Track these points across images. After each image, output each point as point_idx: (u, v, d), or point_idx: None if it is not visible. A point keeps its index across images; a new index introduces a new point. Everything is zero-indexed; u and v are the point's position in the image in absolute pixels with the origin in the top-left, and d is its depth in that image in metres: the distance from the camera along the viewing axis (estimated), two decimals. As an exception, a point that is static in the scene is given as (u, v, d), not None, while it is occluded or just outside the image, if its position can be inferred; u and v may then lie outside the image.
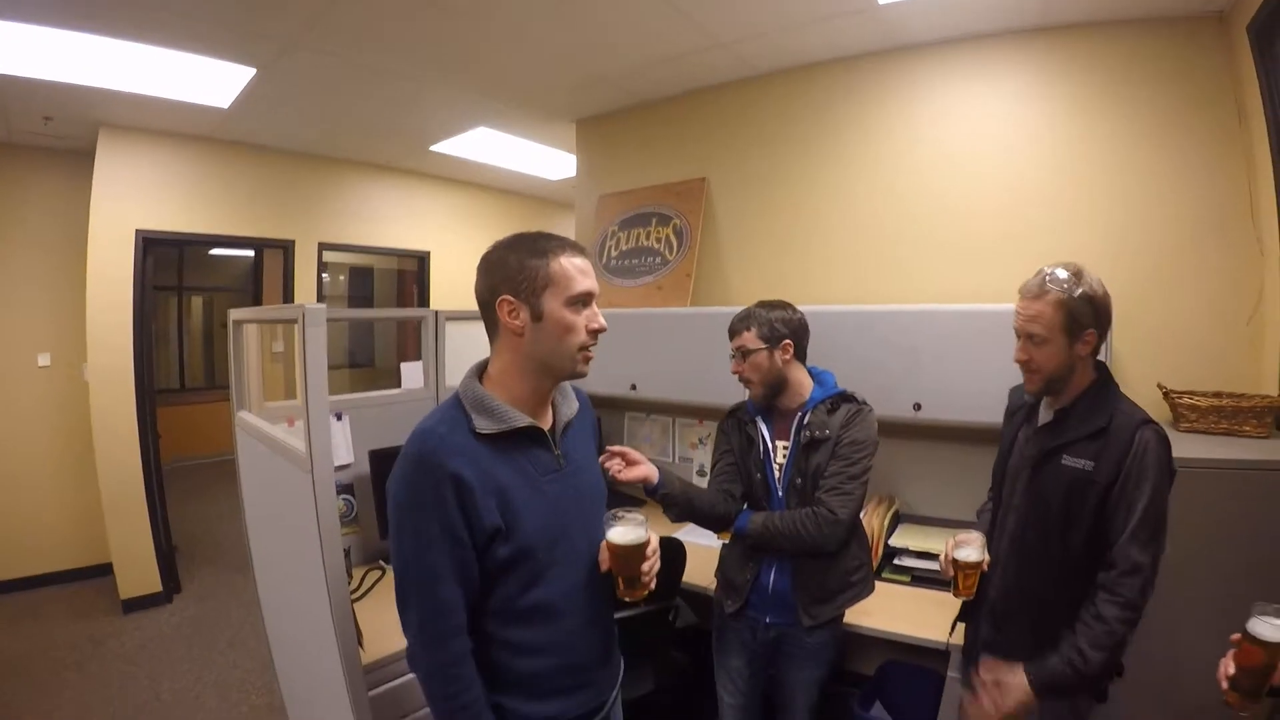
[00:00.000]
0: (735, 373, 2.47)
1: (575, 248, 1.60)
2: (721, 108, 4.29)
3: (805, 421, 2.41)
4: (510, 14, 3.30)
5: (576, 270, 1.56)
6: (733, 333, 2.46)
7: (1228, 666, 1.40)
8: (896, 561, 3.15)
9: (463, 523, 1.45)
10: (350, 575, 2.65)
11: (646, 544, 1.67)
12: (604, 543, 1.68)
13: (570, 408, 1.74)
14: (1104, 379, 2.02)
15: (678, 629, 3.04)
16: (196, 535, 6.53)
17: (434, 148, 5.80)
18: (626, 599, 1.71)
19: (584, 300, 1.57)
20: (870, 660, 3.24)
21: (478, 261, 1.61)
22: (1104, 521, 1.87)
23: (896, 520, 3.41)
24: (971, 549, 2.07)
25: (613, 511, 1.69)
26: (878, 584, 2.90)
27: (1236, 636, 1.39)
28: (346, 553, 2.32)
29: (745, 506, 2.51)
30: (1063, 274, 1.92)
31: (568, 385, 1.77)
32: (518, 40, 3.61)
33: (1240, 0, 2.91)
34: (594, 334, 1.60)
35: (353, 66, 3.88)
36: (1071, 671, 1.82)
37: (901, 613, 2.76)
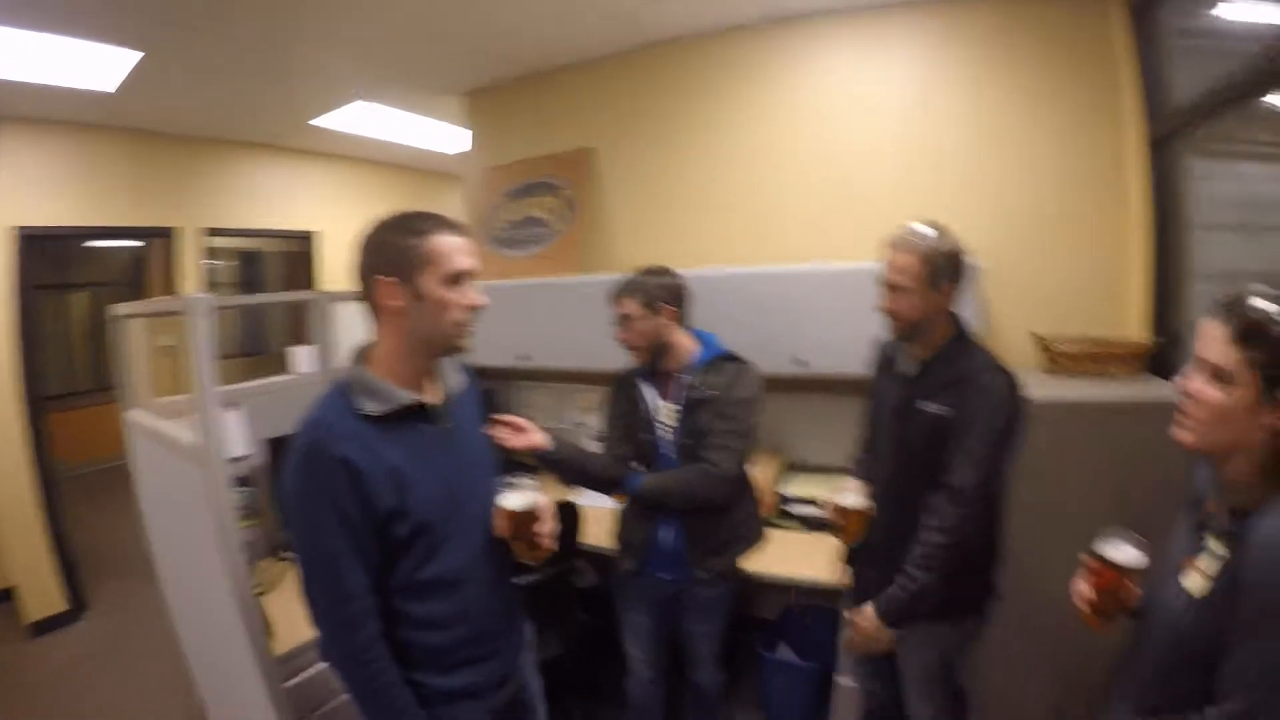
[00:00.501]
0: (619, 339, 2.53)
1: (452, 225, 1.61)
2: (610, 77, 4.30)
3: (689, 383, 2.49)
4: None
5: (453, 248, 1.58)
6: (614, 300, 2.52)
7: (1082, 587, 1.49)
8: (789, 510, 3.30)
9: (358, 508, 1.47)
10: (255, 567, 2.63)
11: (539, 507, 1.72)
12: (497, 510, 1.71)
13: (455, 381, 1.77)
14: (961, 331, 2.15)
15: (580, 590, 3.15)
16: (100, 546, 6.12)
17: (316, 121, 5.62)
18: (527, 561, 1.78)
19: (462, 278, 1.58)
20: (775, 606, 3.43)
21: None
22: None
23: (787, 471, 3.58)
24: (853, 495, 2.20)
25: (503, 479, 1.75)
26: (774, 533, 3.08)
27: (1090, 559, 1.48)
28: (251, 545, 2.29)
29: (636, 468, 2.57)
30: (926, 229, 2.07)
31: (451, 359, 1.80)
32: (403, 9, 3.52)
33: (1121, -28, 3.06)
34: (471, 310, 1.62)
35: (236, 43, 3.75)
36: (905, 595, 2.04)
37: (798, 558, 2.92)
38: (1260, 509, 1.16)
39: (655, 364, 2.56)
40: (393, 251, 1.54)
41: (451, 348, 1.64)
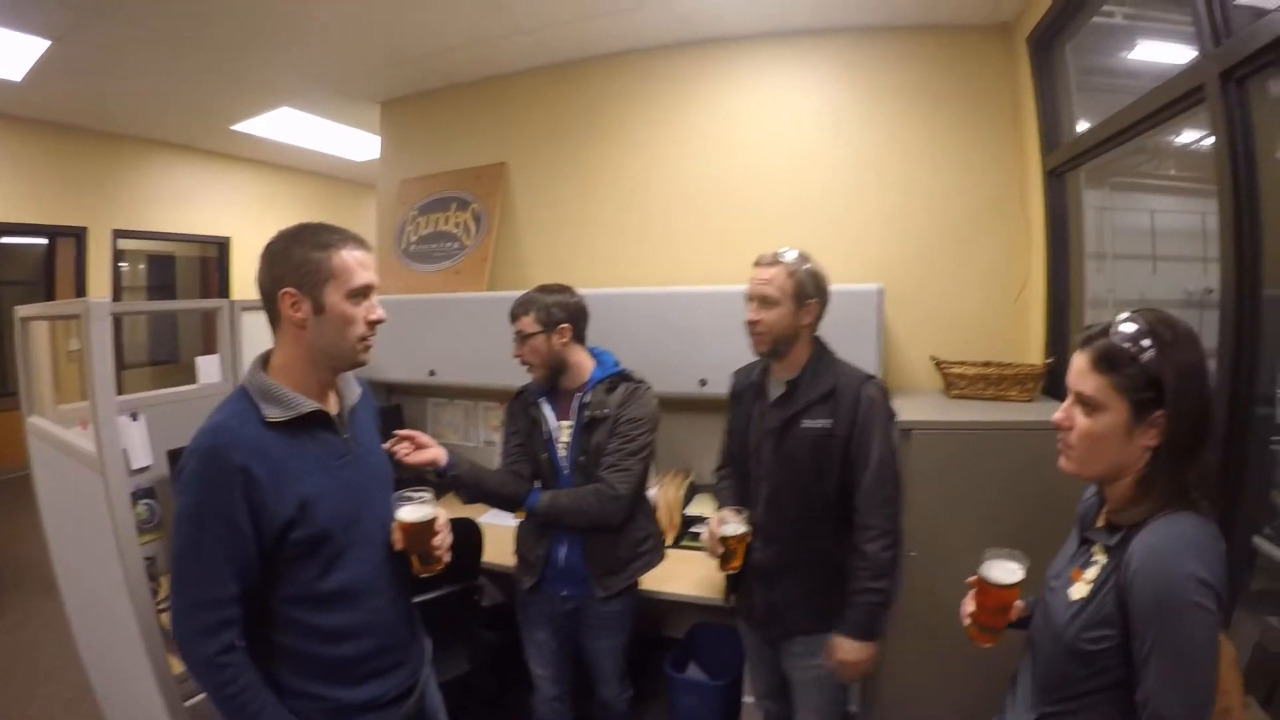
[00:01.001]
0: (516, 356, 2.54)
1: (357, 240, 1.63)
2: (524, 94, 4.32)
3: (585, 401, 2.51)
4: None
5: (357, 263, 1.59)
6: (513, 317, 2.53)
7: (968, 607, 1.54)
8: (694, 530, 3.33)
9: (249, 518, 1.47)
10: (158, 582, 2.56)
11: (435, 520, 1.74)
12: (395, 523, 1.73)
13: (353, 393, 1.77)
14: (821, 349, 2.24)
15: (485, 608, 3.12)
16: (2, 558, 5.90)
17: (236, 127, 5.53)
18: (423, 575, 1.78)
19: (364, 293, 1.60)
20: (682, 624, 3.44)
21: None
22: (848, 470, 2.12)
23: (693, 491, 3.60)
24: (734, 524, 2.20)
25: (400, 492, 1.75)
26: (679, 552, 3.13)
27: (973, 579, 1.52)
28: (152, 560, 2.25)
29: (536, 485, 2.59)
30: (793, 251, 2.18)
31: (349, 373, 1.80)
32: (322, 17, 3.52)
33: (1023, 14, 3.26)
34: (372, 325, 1.63)
35: (153, 35, 3.64)
36: (874, 605, 2.09)
37: (703, 578, 2.91)
38: (1143, 524, 1.23)
39: (552, 382, 2.57)
40: (297, 264, 1.55)
41: (351, 361, 1.65)
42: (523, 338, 2.50)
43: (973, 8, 3.32)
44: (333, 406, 1.70)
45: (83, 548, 2.40)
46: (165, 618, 2.27)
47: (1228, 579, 1.19)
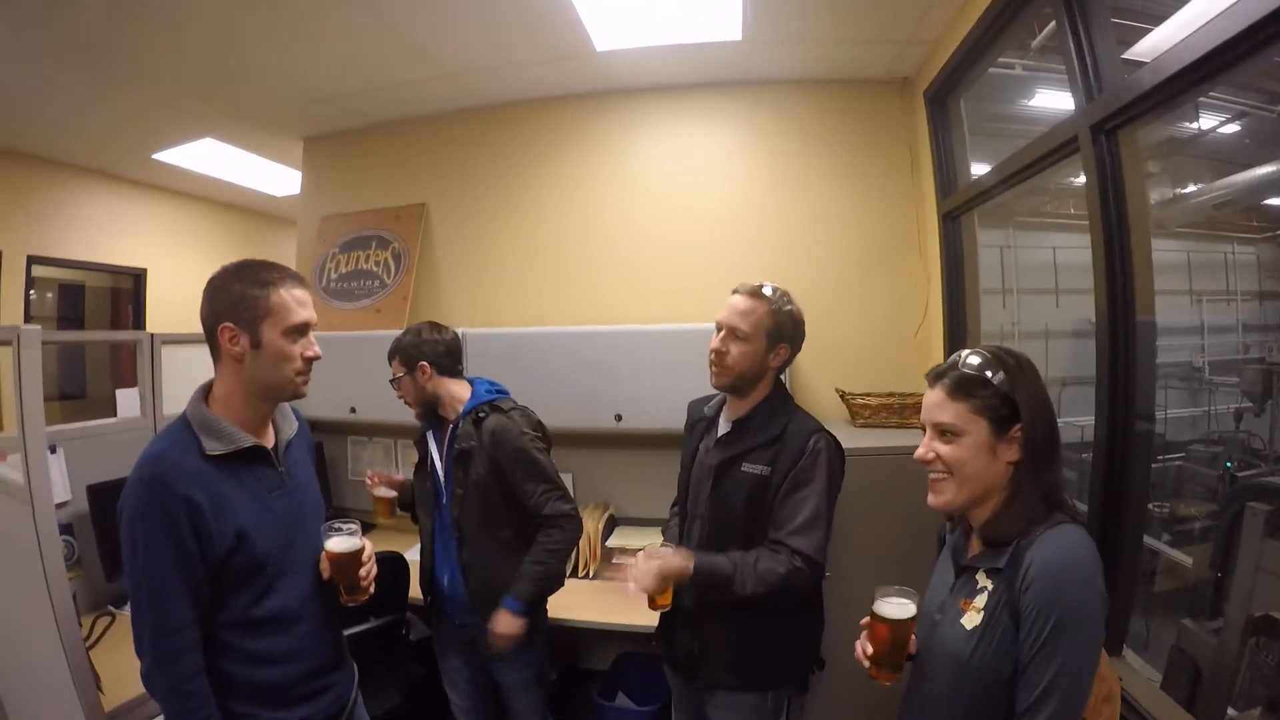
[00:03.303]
0: (399, 397, 2.65)
1: (296, 279, 1.70)
2: (446, 136, 4.41)
3: (455, 433, 2.57)
4: (236, 25, 3.22)
5: (295, 301, 1.66)
6: (389, 362, 2.63)
7: (865, 647, 1.50)
8: (615, 560, 3.42)
9: (194, 544, 1.52)
10: (80, 623, 2.51)
11: (362, 551, 1.80)
12: (323, 553, 1.78)
13: (290, 427, 1.85)
14: (779, 392, 2.16)
15: (413, 642, 3.13)
16: None
17: (157, 155, 5.43)
18: (350, 604, 1.83)
19: (301, 330, 1.67)
20: (607, 655, 3.48)
21: (203, 284, 1.67)
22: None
23: (612, 523, 3.70)
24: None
25: (329, 523, 1.81)
26: (601, 583, 3.22)
27: (866, 620, 1.50)
28: (74, 598, 2.21)
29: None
30: (777, 289, 2.08)
31: (287, 406, 1.86)
32: (247, 51, 3.52)
33: (921, 69, 3.50)
34: (309, 361, 1.70)
35: (72, 57, 3.57)
36: (727, 575, 1.92)
37: (624, 607, 2.93)
38: (1021, 537, 1.32)
39: (431, 416, 2.66)
40: (237, 299, 1.61)
41: (290, 393, 1.72)
42: (395, 381, 2.61)
43: (875, 65, 3.57)
44: (269, 440, 1.76)
45: (5, 584, 2.33)
46: (94, 655, 2.28)
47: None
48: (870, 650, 1.48)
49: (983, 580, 1.39)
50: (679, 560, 1.96)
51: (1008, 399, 1.35)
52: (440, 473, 2.61)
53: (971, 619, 1.37)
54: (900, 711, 1.63)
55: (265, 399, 1.72)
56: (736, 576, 1.93)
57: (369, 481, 2.83)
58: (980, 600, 1.37)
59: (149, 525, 1.51)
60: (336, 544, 1.77)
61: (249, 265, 1.67)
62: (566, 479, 3.72)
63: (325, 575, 1.79)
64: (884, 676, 1.49)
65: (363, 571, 1.81)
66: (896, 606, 1.45)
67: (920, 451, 1.43)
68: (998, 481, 1.38)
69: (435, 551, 2.63)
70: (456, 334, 2.70)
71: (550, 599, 2.64)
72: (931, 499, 1.44)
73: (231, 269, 1.66)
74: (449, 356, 2.63)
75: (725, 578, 1.93)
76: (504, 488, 2.51)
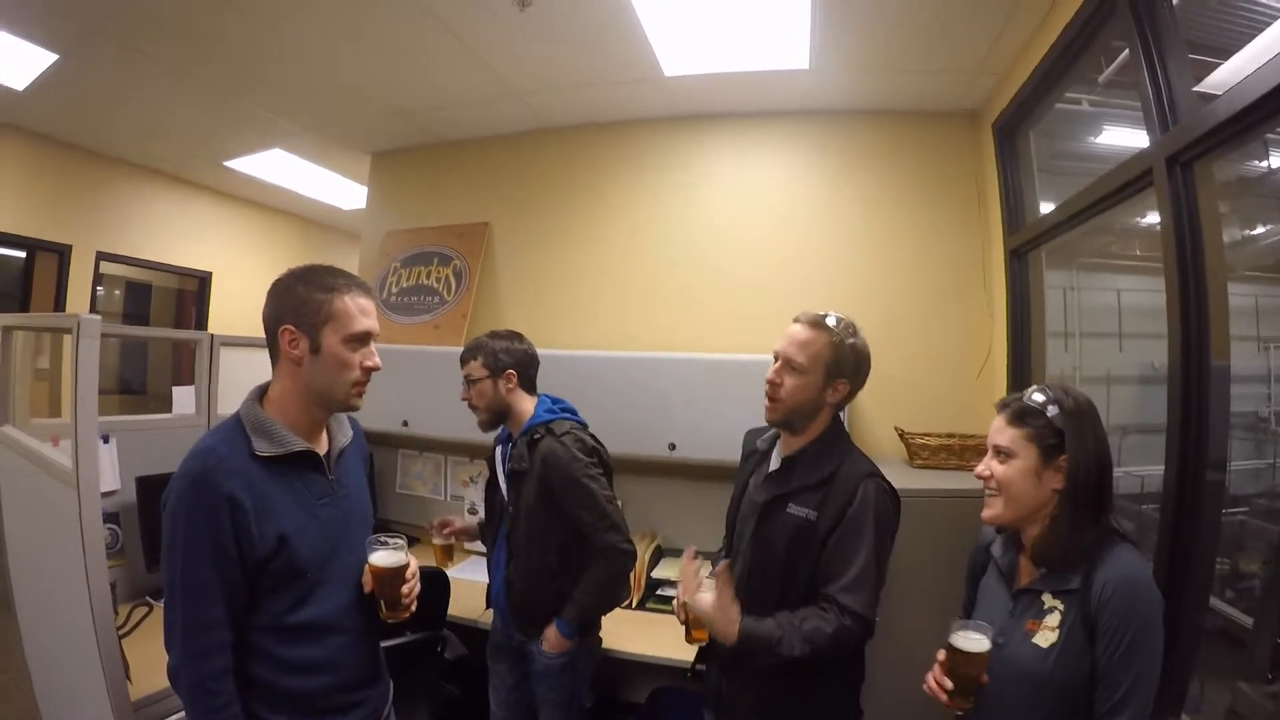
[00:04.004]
0: (464, 399, 2.61)
1: (362, 287, 1.67)
2: (510, 156, 4.44)
3: (510, 452, 2.57)
4: (314, 37, 3.31)
5: (358, 309, 1.64)
6: (462, 361, 2.60)
7: (943, 680, 1.55)
8: (660, 593, 3.36)
9: (235, 544, 1.49)
10: (116, 610, 2.52)
11: (406, 567, 1.75)
12: (367, 565, 1.74)
13: (345, 435, 1.82)
14: (836, 429, 2.01)
15: (448, 660, 3.09)
16: None
17: (228, 163, 5.58)
18: (389, 620, 1.78)
19: (362, 339, 1.65)
20: (643, 688, 3.40)
21: (265, 291, 1.65)
22: (822, 570, 1.87)
23: (659, 554, 3.63)
24: (707, 593, 2.00)
25: (375, 536, 1.77)
26: (643, 614, 3.17)
27: (942, 655, 1.56)
28: (113, 586, 2.23)
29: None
30: (842, 320, 1.95)
31: (342, 414, 1.83)
32: (321, 66, 3.61)
33: (989, 102, 3.44)
34: (367, 371, 1.67)
35: (156, 62, 3.68)
36: (774, 640, 1.79)
37: (666, 640, 2.87)
38: (1083, 560, 1.48)
39: (497, 426, 2.63)
40: (299, 302, 1.59)
41: (343, 404, 1.69)
42: (470, 382, 2.58)
43: (942, 96, 3.52)
44: (322, 446, 1.74)
45: (47, 562, 2.38)
46: (126, 644, 2.29)
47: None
48: (949, 684, 1.55)
49: (1050, 601, 1.53)
50: (724, 625, 1.84)
51: (1057, 431, 1.53)
52: (503, 488, 2.61)
53: (1046, 637, 1.50)
54: None
55: (320, 405, 1.69)
56: (784, 640, 1.79)
57: (431, 530, 2.86)
58: (1052, 620, 1.51)
59: (190, 519, 1.48)
60: (381, 558, 1.73)
61: (316, 269, 1.66)
62: (617, 505, 3.73)
63: (367, 589, 1.76)
64: (958, 704, 1.56)
65: (405, 588, 1.76)
66: (975, 641, 1.53)
67: (979, 469, 1.64)
68: (1043, 505, 1.55)
69: (494, 559, 2.66)
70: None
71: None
72: (984, 513, 1.64)
73: (298, 271, 1.65)
74: (532, 369, 2.63)
75: (771, 641, 1.80)
76: (554, 513, 2.47)
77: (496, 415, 2.59)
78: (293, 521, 1.59)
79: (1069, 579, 1.50)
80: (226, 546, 1.49)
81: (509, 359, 2.55)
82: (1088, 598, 1.45)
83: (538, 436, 2.49)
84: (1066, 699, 1.47)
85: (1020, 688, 1.52)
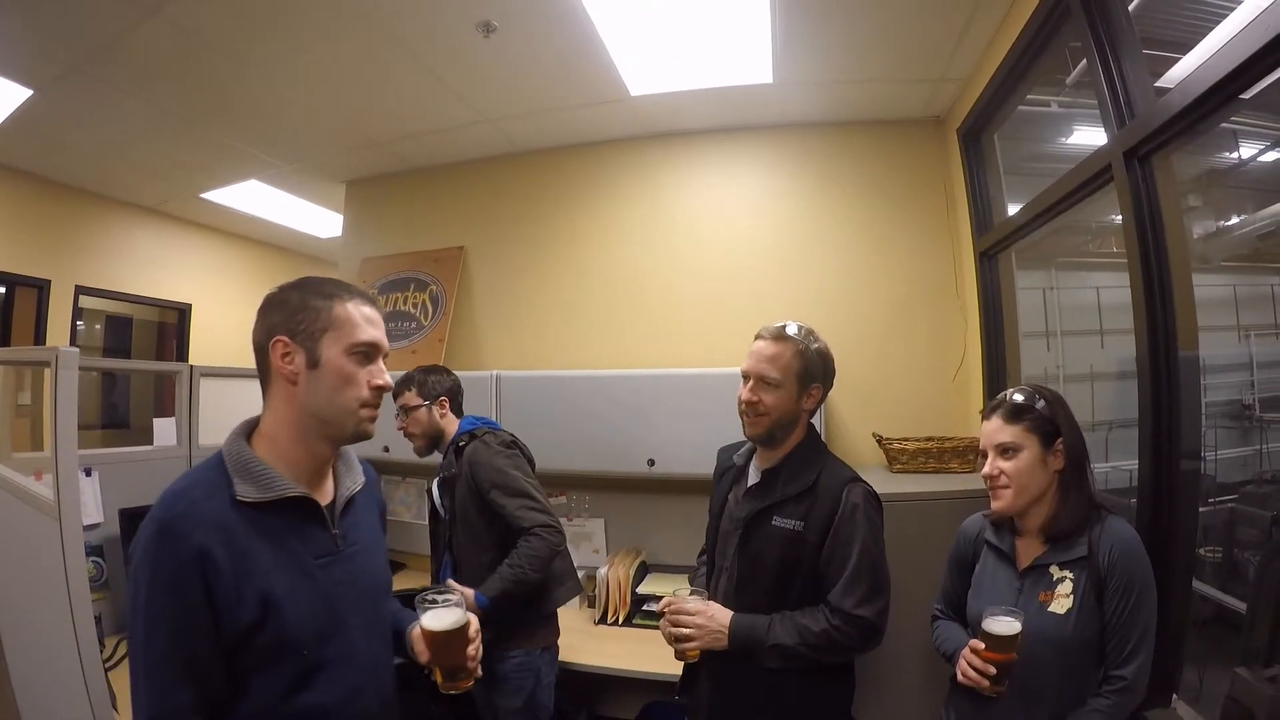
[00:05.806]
0: (400, 429, 2.79)
1: (366, 297, 1.44)
2: (484, 180, 4.48)
3: (441, 464, 2.78)
4: (286, 69, 3.35)
5: (362, 318, 1.39)
6: (395, 394, 2.74)
7: (985, 669, 1.65)
8: (646, 608, 3.35)
9: (207, 611, 1.21)
10: (103, 643, 2.52)
11: (467, 627, 1.53)
12: (419, 631, 1.54)
13: (355, 481, 1.53)
14: (812, 438, 2.02)
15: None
16: None
17: (205, 195, 5.58)
18: (451, 691, 1.55)
19: (368, 352, 1.40)
20: (632, 704, 3.39)
21: (245, 321, 1.46)
22: (820, 577, 1.87)
23: (644, 570, 3.63)
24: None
25: (423, 594, 1.52)
26: (629, 630, 3.19)
27: (977, 643, 1.68)
28: (98, 619, 2.23)
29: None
30: (797, 324, 1.97)
31: (353, 455, 1.58)
32: (294, 98, 3.64)
33: (953, 108, 3.51)
34: (377, 390, 1.41)
35: (131, 99, 3.70)
36: (764, 626, 1.85)
37: (653, 655, 2.85)
38: (1087, 530, 1.68)
39: (432, 450, 2.83)
40: (295, 309, 1.35)
41: (351, 431, 1.40)
42: (406, 410, 2.76)
43: (907, 104, 3.58)
44: (325, 493, 1.45)
45: (32, 599, 2.36)
46: (114, 677, 2.27)
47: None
48: (993, 670, 1.65)
49: (1059, 573, 1.70)
50: (712, 623, 1.91)
51: (1050, 420, 1.74)
52: (436, 498, 2.82)
53: (1061, 604, 1.67)
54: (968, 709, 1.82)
55: (322, 436, 1.39)
56: (773, 627, 1.85)
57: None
58: (1064, 588, 1.68)
59: (152, 580, 1.20)
60: (435, 619, 1.48)
61: (313, 278, 1.42)
62: (598, 524, 3.77)
63: (422, 659, 1.56)
64: (994, 688, 1.66)
65: (471, 650, 1.52)
66: (1008, 624, 1.63)
67: (986, 470, 1.78)
68: (1047, 487, 1.74)
69: (442, 573, 2.77)
70: None
71: (578, 644, 2.69)
72: (994, 504, 1.79)
73: (293, 281, 1.41)
74: (460, 396, 2.88)
75: (760, 627, 1.86)
76: (484, 510, 2.61)
77: (431, 440, 2.80)
78: (280, 583, 1.28)
79: (1075, 548, 1.69)
80: (197, 615, 1.20)
81: (440, 388, 2.80)
82: (1096, 562, 1.64)
83: (462, 444, 2.69)
84: (1082, 655, 1.64)
85: (1043, 654, 1.66)
